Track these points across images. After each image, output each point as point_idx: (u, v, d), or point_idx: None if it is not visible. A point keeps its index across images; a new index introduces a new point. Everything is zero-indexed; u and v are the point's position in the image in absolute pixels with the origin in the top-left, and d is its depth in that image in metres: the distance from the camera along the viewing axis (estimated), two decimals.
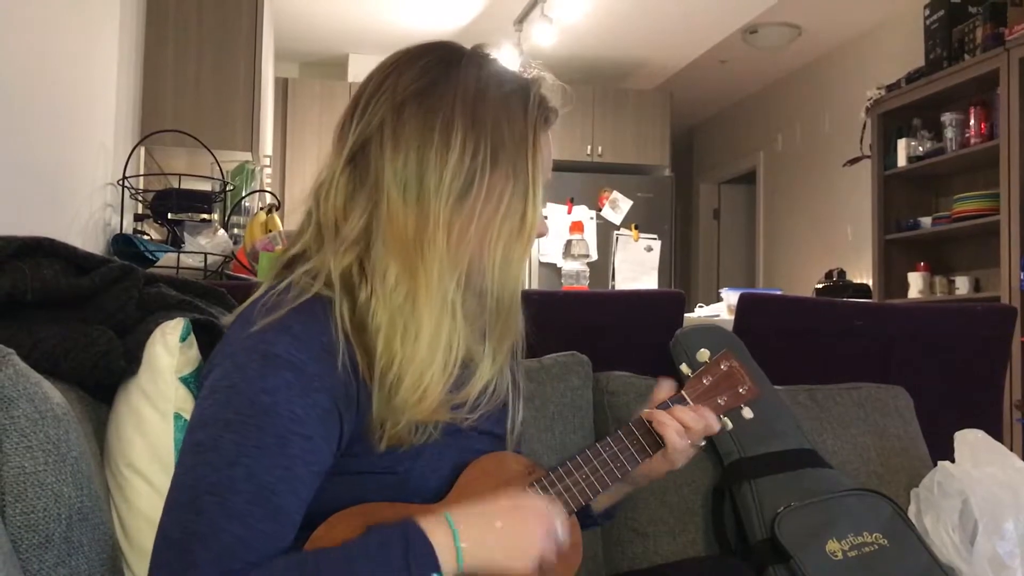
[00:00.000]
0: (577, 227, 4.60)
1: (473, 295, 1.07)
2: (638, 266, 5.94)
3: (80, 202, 2.19)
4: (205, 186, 2.85)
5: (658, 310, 1.93)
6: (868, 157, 4.77)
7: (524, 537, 0.97)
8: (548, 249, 5.64)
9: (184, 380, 1.14)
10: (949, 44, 4.22)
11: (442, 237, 1.00)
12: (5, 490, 0.88)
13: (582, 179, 5.90)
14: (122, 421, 1.13)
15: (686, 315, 2.03)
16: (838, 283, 4.52)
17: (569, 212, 5.78)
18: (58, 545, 0.91)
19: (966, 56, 4.12)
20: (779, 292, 3.58)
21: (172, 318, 1.16)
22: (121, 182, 2.51)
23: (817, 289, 4.60)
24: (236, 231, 2.91)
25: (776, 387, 1.81)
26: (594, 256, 5.61)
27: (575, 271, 3.77)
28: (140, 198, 2.72)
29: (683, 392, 1.25)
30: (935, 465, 1.78)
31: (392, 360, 0.97)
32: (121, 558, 1.07)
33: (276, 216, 2.63)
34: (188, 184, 2.73)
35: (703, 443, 1.22)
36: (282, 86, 5.75)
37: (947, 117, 4.27)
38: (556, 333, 1.74)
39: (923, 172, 4.51)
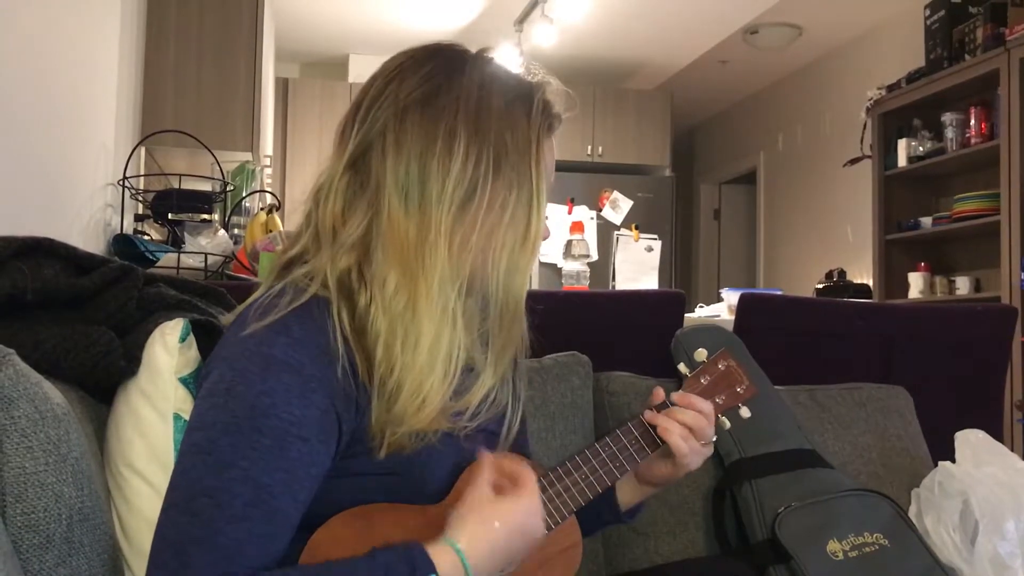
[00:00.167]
0: (577, 227, 4.60)
1: (475, 302, 1.06)
2: (638, 266, 5.94)
3: (80, 202, 2.19)
4: (205, 186, 2.85)
5: (658, 310, 1.93)
6: (868, 157, 4.77)
7: (523, 527, 0.98)
8: (548, 249, 5.64)
9: (184, 380, 1.14)
10: (949, 44, 4.22)
11: (443, 245, 0.99)
12: (6, 490, 0.88)
13: (582, 179, 5.90)
14: (122, 421, 1.13)
15: (686, 315, 2.03)
16: (839, 283, 4.52)
17: (569, 212, 5.78)
18: (58, 545, 0.91)
19: (966, 56, 4.12)
20: (779, 292, 3.58)
21: (172, 318, 1.16)
22: (121, 182, 2.51)
23: (818, 289, 4.60)
24: (236, 231, 2.91)
25: (777, 387, 1.81)
26: (594, 256, 5.61)
27: (575, 271, 3.77)
28: (140, 198, 2.73)
29: (681, 391, 1.25)
30: (936, 465, 1.78)
31: (392, 367, 0.97)
32: (121, 558, 1.07)
33: (276, 216, 2.63)
34: (188, 184, 2.73)
35: (715, 437, 1.22)
36: (282, 86, 5.76)
37: (947, 117, 4.27)
38: (556, 333, 1.73)
39: (923, 172, 4.51)
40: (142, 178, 2.79)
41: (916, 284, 4.48)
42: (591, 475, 1.15)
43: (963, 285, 4.32)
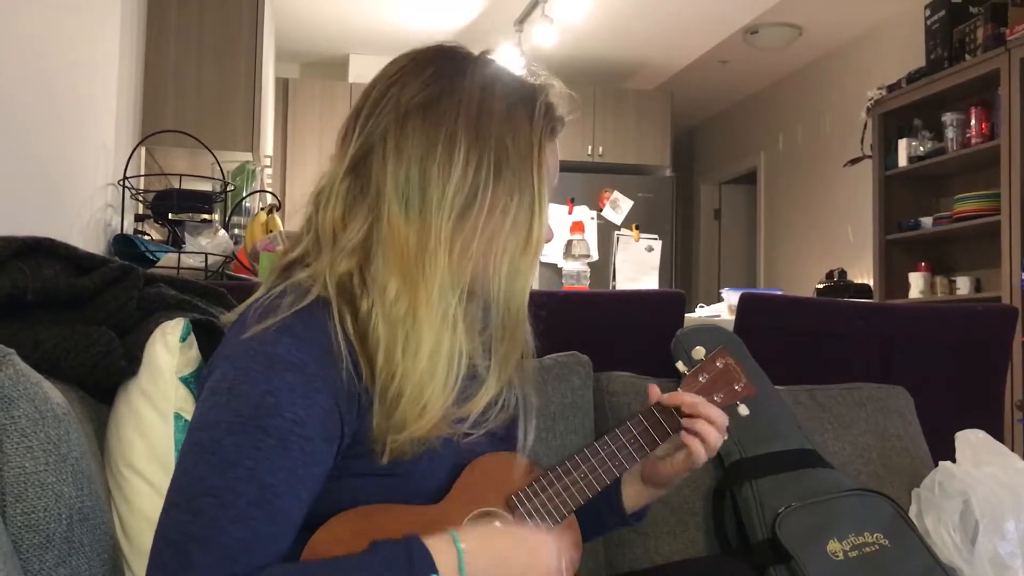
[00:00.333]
0: (578, 227, 4.60)
1: (477, 307, 1.06)
2: (639, 266, 5.94)
3: (81, 202, 2.19)
4: (206, 186, 2.85)
5: (659, 310, 1.93)
6: (869, 157, 4.77)
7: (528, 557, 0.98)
8: (549, 249, 5.59)
9: (184, 380, 1.14)
10: (950, 44, 4.22)
11: (444, 252, 0.99)
12: (6, 490, 0.88)
13: (583, 179, 5.90)
14: (122, 421, 1.13)
15: (687, 315, 2.03)
16: (839, 283, 4.52)
17: (570, 212, 5.78)
18: (59, 545, 0.91)
19: (967, 56, 4.12)
20: (780, 292, 3.58)
21: (172, 318, 1.16)
22: (122, 182, 2.51)
23: (818, 289, 4.60)
24: (237, 231, 2.91)
25: (777, 387, 1.81)
26: (595, 256, 5.61)
27: (576, 271, 3.77)
28: (141, 198, 2.72)
29: (679, 389, 1.25)
30: (936, 465, 1.78)
31: (393, 374, 0.97)
32: (121, 558, 1.07)
33: (277, 216, 2.63)
34: (189, 184, 2.73)
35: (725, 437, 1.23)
36: (283, 86, 5.76)
37: (948, 117, 4.27)
38: (557, 333, 1.73)
39: (924, 172, 4.51)
40: (142, 178, 2.79)
41: (916, 284, 4.48)
42: (590, 474, 1.15)
43: (963, 285, 4.32)
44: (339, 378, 0.95)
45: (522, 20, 5.21)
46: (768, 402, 1.74)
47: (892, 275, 4.63)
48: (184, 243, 2.46)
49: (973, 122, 4.12)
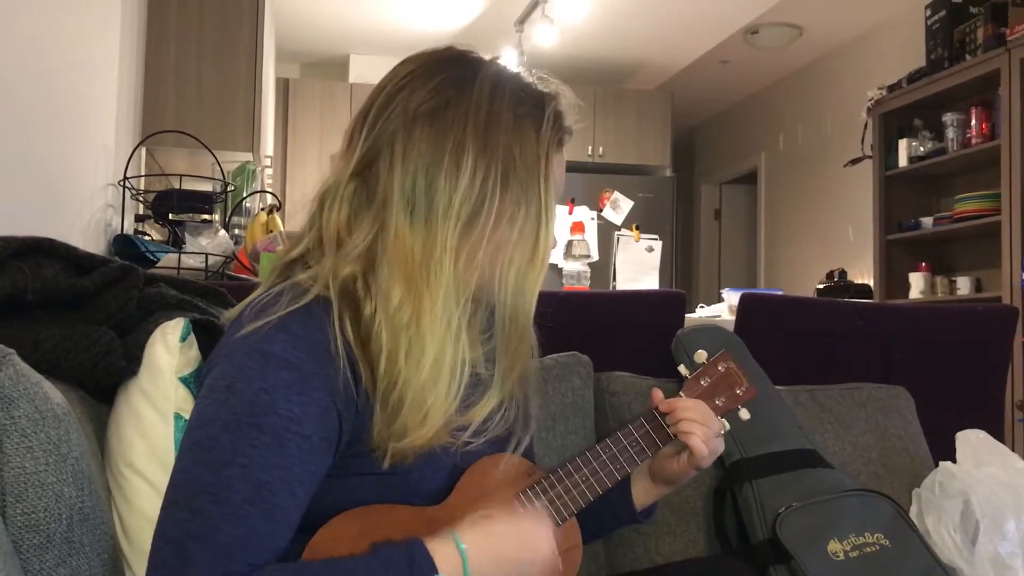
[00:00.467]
0: (578, 227, 4.61)
1: (482, 316, 1.06)
2: (639, 266, 5.94)
3: (81, 203, 2.19)
4: (206, 186, 2.85)
5: (659, 310, 1.93)
6: (869, 157, 4.77)
7: (528, 541, 0.98)
8: None
9: (184, 380, 1.14)
10: (950, 44, 4.22)
11: (449, 262, 0.98)
12: (6, 490, 0.88)
13: (583, 180, 5.90)
14: (122, 421, 1.13)
15: (687, 315, 2.03)
16: (839, 283, 4.53)
17: (570, 213, 5.78)
18: (59, 545, 0.91)
19: (967, 56, 4.12)
20: (780, 292, 3.58)
21: (172, 318, 1.16)
22: (122, 182, 2.51)
23: (818, 289, 4.60)
24: (237, 231, 2.91)
25: (777, 387, 1.81)
26: (595, 256, 5.61)
27: (576, 271, 3.77)
28: (141, 199, 2.72)
29: (681, 393, 1.26)
30: (936, 465, 1.78)
31: (395, 381, 0.97)
32: (121, 558, 1.07)
33: (277, 216, 2.62)
34: (189, 185, 2.73)
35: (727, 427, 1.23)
36: (283, 86, 5.76)
37: (948, 117, 4.27)
38: (557, 333, 1.73)
39: (924, 172, 4.51)
40: (143, 178, 2.79)
41: (917, 284, 4.48)
42: (592, 477, 1.15)
43: (964, 285, 4.32)
44: (336, 376, 0.95)
45: (522, 20, 5.21)
46: (768, 402, 1.74)
47: (892, 275, 4.63)
48: (184, 243, 2.46)
49: (973, 122, 4.12)
